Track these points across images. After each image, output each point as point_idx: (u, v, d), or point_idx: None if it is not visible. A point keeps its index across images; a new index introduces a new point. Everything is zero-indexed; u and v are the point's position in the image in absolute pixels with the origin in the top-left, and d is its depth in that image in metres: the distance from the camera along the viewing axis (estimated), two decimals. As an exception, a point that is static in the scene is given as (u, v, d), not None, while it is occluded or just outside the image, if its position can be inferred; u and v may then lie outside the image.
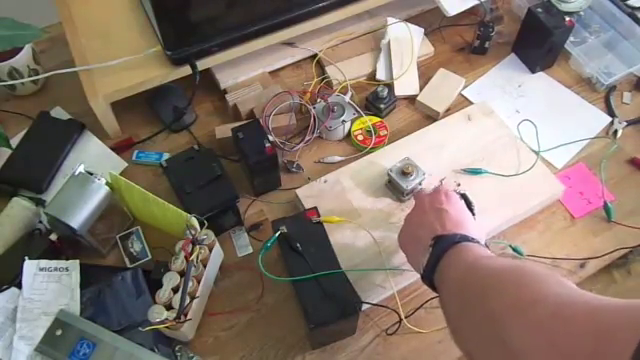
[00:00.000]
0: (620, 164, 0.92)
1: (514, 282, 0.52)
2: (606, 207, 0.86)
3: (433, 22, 1.08)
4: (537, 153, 0.89)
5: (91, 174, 0.77)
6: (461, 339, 0.57)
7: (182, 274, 0.71)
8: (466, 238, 0.63)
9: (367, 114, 0.95)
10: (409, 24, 1.04)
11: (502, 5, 1.12)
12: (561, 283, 0.49)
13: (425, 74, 1.01)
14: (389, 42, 1.02)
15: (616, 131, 0.95)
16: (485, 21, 1.02)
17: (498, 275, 0.54)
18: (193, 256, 0.71)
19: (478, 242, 0.63)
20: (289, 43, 1.01)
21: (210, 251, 0.75)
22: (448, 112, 0.97)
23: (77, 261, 0.78)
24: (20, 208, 0.81)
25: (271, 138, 0.87)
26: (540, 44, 0.97)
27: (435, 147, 0.90)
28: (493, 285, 0.53)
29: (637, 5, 1.05)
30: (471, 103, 0.98)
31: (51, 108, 0.97)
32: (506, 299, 0.50)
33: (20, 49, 0.93)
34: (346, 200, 0.85)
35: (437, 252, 0.62)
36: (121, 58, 0.87)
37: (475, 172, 0.87)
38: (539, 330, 0.45)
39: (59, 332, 0.71)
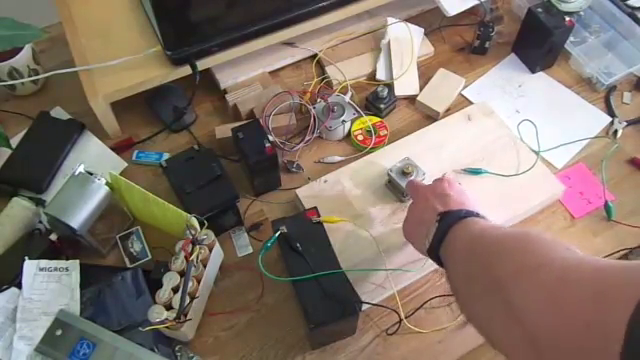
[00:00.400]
0: (620, 164, 0.92)
1: (520, 248, 0.52)
2: (607, 206, 0.86)
3: (433, 22, 1.08)
4: (537, 153, 0.89)
5: (91, 174, 0.77)
6: (467, 308, 0.57)
7: (182, 274, 0.71)
8: (472, 213, 0.63)
9: (367, 114, 0.95)
10: (409, 24, 1.04)
11: (502, 5, 1.12)
12: (568, 248, 0.49)
13: (425, 74, 1.01)
14: (389, 42, 1.02)
15: (616, 131, 0.95)
16: (485, 21, 1.02)
17: (503, 242, 0.55)
18: (193, 256, 0.71)
19: (484, 217, 0.64)
20: (289, 43, 1.01)
21: (210, 251, 0.75)
22: (448, 112, 0.97)
23: (77, 261, 0.78)
24: (20, 208, 0.81)
25: (271, 138, 0.87)
26: (540, 44, 0.97)
27: (435, 147, 0.90)
28: (499, 252, 0.53)
29: (637, 5, 1.05)
30: (471, 103, 0.98)
31: (51, 108, 0.97)
32: (512, 265, 0.50)
33: (20, 49, 0.93)
34: (346, 200, 0.85)
35: (443, 227, 0.63)
36: (121, 58, 0.87)
37: (475, 172, 0.87)
38: (543, 292, 0.45)
39: (59, 332, 0.71)
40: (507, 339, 0.49)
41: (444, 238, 0.62)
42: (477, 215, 0.63)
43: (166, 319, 0.67)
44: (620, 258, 0.84)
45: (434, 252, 0.64)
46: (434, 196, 0.69)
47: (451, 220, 0.62)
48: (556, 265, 0.46)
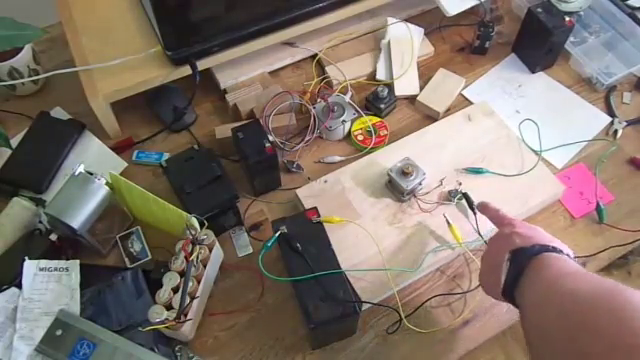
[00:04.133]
0: (620, 164, 0.92)
1: (611, 317, 0.44)
2: (598, 208, 0.85)
3: (433, 22, 1.08)
4: (538, 153, 0.89)
5: (91, 174, 0.77)
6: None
7: (182, 274, 0.71)
8: (546, 248, 0.58)
9: (367, 114, 0.95)
10: (409, 24, 1.04)
11: (502, 5, 1.12)
12: None
13: (425, 74, 1.01)
14: (389, 42, 1.02)
15: (616, 131, 0.95)
16: (485, 21, 1.02)
17: (588, 306, 0.47)
18: (193, 256, 0.71)
19: (560, 251, 0.58)
20: (289, 43, 1.01)
21: (210, 251, 0.75)
22: (448, 112, 0.97)
23: (77, 261, 0.78)
24: (20, 208, 0.81)
25: (271, 138, 0.87)
26: (540, 44, 0.97)
27: (435, 147, 0.90)
28: (584, 320, 0.46)
29: (637, 5, 1.05)
30: (471, 103, 0.98)
31: (51, 108, 0.97)
32: (603, 340, 0.44)
33: (20, 49, 0.93)
34: (346, 200, 0.85)
35: (516, 266, 0.58)
36: (121, 58, 0.87)
37: (476, 172, 0.87)
38: None
39: (59, 332, 0.71)
40: None
41: (519, 279, 0.57)
42: (553, 249, 0.58)
43: (166, 319, 0.67)
44: (620, 258, 0.84)
45: (509, 295, 0.59)
46: (502, 239, 0.64)
47: (524, 258, 0.57)
48: None
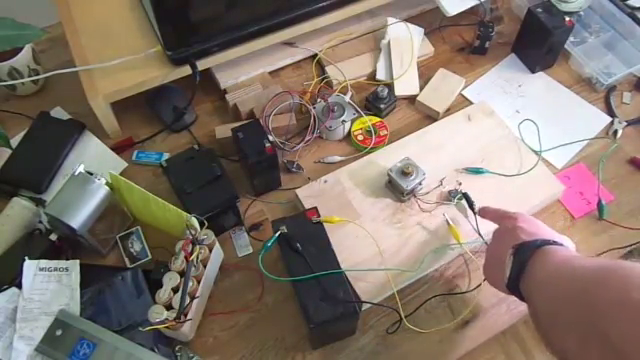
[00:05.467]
0: (620, 164, 0.92)
1: (620, 275, 0.49)
2: (600, 205, 0.86)
3: (433, 22, 1.08)
4: (538, 153, 0.89)
5: (91, 174, 0.77)
6: (554, 342, 0.54)
7: (182, 274, 0.71)
8: (548, 242, 0.61)
9: (367, 114, 0.95)
10: (409, 24, 1.04)
11: (502, 5, 1.12)
12: None
13: (425, 74, 1.01)
14: (389, 42, 1.02)
15: (616, 131, 0.95)
16: (485, 21, 1.02)
17: (597, 270, 0.52)
18: (193, 256, 0.71)
19: (561, 244, 0.61)
20: (289, 43, 1.01)
21: (210, 251, 0.75)
22: (448, 112, 0.97)
23: (77, 261, 0.78)
24: (20, 208, 0.81)
25: (271, 138, 0.87)
26: (540, 44, 0.97)
27: (435, 147, 0.90)
28: (595, 279, 0.51)
29: (637, 5, 1.05)
30: (471, 103, 0.98)
31: (51, 108, 0.97)
32: (613, 294, 0.48)
33: (20, 49, 0.93)
34: (346, 200, 0.85)
35: (520, 259, 0.60)
36: (121, 58, 0.87)
37: (476, 172, 0.87)
38: None
39: (59, 332, 0.71)
40: None
41: (523, 271, 0.60)
42: (554, 243, 0.61)
43: (166, 319, 0.67)
44: (620, 258, 0.84)
45: (513, 287, 0.61)
46: (506, 233, 0.67)
47: (527, 251, 0.60)
48: None
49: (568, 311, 0.52)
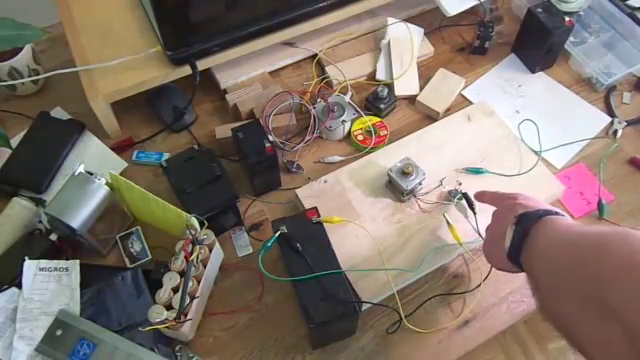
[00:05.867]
0: (620, 164, 0.92)
1: (619, 242, 0.49)
2: (600, 205, 0.86)
3: (433, 22, 1.08)
4: (538, 153, 0.89)
5: (91, 174, 0.77)
6: (551, 307, 0.55)
7: (182, 274, 0.71)
8: (550, 212, 0.61)
9: (367, 114, 0.95)
10: (409, 24, 1.04)
11: (502, 5, 1.12)
12: None
13: (425, 74, 1.01)
14: (389, 42, 1.02)
15: (616, 131, 0.95)
16: (485, 21, 1.02)
17: (597, 238, 0.52)
18: (193, 256, 0.71)
19: (563, 215, 0.61)
20: (289, 43, 1.01)
21: (210, 251, 0.75)
22: (448, 112, 0.97)
23: (77, 261, 0.78)
24: (20, 208, 0.81)
25: (271, 138, 0.87)
26: (540, 44, 0.97)
27: (435, 147, 0.90)
28: (595, 245, 0.51)
29: (637, 5, 1.05)
30: (471, 103, 0.98)
31: (51, 108, 0.97)
32: (614, 260, 0.48)
33: (20, 49, 0.93)
34: (346, 200, 0.85)
35: (522, 227, 0.60)
36: (121, 58, 0.87)
37: (476, 172, 0.87)
38: None
39: (59, 332, 0.71)
40: (601, 338, 0.47)
41: (524, 240, 0.60)
42: (556, 213, 0.61)
43: (166, 319, 0.67)
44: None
45: (514, 256, 0.61)
46: (506, 209, 0.67)
47: (530, 220, 0.60)
48: None
49: (568, 277, 0.52)
